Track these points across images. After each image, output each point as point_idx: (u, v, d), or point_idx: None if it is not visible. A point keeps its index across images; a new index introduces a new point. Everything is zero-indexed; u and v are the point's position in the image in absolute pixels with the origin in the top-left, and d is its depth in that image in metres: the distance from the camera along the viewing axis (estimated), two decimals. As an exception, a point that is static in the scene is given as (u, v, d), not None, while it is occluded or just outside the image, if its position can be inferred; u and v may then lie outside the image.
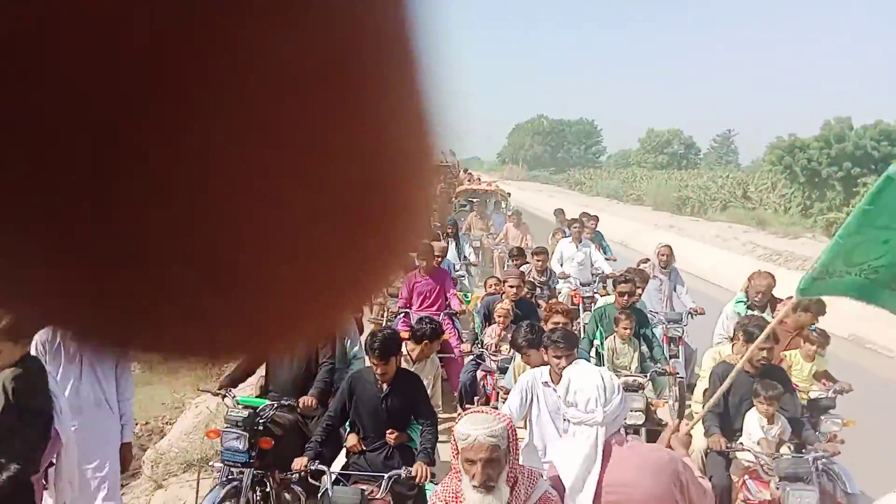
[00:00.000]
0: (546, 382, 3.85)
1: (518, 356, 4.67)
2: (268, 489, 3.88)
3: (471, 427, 2.07)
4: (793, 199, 30.39)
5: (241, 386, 4.51)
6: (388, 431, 3.74)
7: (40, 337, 3.57)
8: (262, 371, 4.68)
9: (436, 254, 6.99)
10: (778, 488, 3.94)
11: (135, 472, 5.46)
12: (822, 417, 4.67)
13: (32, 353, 3.43)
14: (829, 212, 26.53)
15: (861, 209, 3.64)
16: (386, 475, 3.46)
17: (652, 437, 4.83)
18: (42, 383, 2.91)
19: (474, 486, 2.06)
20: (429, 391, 4.46)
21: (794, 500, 3.85)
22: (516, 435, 2.16)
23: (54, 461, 2.99)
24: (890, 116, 34.79)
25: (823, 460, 4.40)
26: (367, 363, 3.94)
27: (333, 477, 3.56)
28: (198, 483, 4.31)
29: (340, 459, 4.10)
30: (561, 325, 4.77)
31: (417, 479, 3.41)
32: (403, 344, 4.49)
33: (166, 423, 7.41)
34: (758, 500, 4.06)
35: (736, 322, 5.00)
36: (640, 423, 4.85)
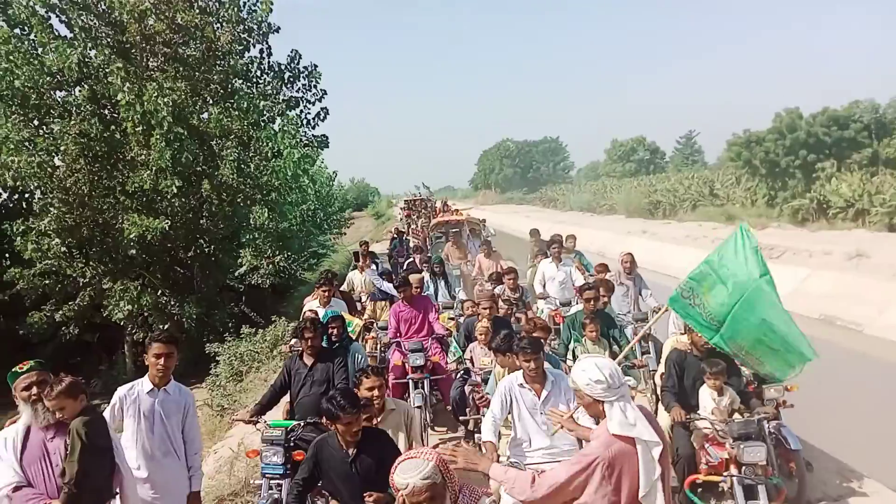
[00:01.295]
0: (521, 384, 4.46)
1: (497, 366, 5.28)
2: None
3: (406, 477, 2.34)
4: (758, 192, 30.97)
5: (268, 414, 5.15)
6: (366, 495, 3.57)
7: (120, 392, 4.17)
8: (286, 398, 5.31)
9: (414, 286, 7.65)
10: (733, 448, 4.57)
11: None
12: (764, 387, 5.29)
13: (112, 404, 4.12)
14: (792, 199, 27.17)
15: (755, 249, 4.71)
16: None
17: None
18: (104, 426, 3.49)
19: None
20: (404, 436, 4.52)
21: (747, 454, 4.49)
22: (447, 464, 2.47)
23: (117, 491, 3.53)
24: (836, 102, 35.57)
25: (774, 423, 5.06)
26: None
27: None
28: None
29: None
30: (543, 339, 5.39)
31: None
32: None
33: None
34: (717, 461, 4.68)
35: None
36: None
